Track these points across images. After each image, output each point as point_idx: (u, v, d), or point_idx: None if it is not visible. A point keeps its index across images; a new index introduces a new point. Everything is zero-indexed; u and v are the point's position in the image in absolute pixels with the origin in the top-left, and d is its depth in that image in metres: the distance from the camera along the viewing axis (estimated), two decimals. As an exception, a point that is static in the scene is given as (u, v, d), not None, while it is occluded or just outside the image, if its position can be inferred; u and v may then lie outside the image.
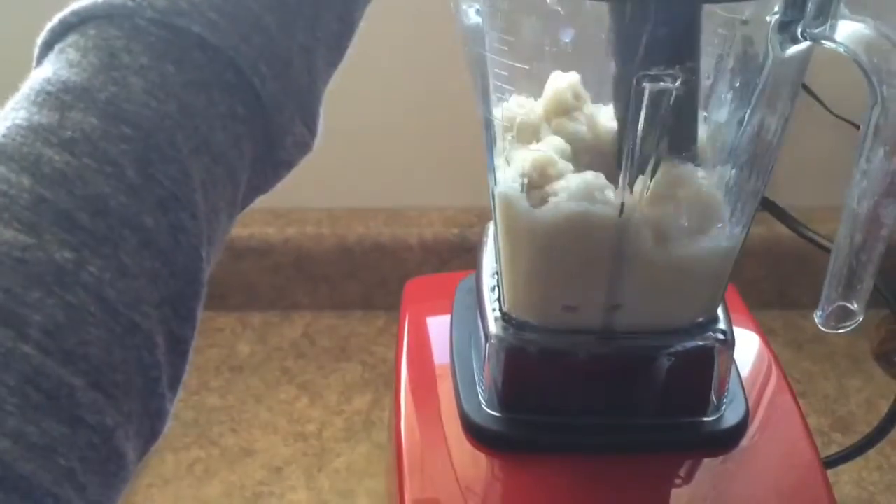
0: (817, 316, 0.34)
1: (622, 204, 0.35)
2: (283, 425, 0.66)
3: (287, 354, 0.72)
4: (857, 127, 0.72)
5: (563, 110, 0.36)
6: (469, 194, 0.73)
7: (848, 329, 0.34)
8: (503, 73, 0.35)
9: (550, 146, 0.38)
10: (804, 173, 0.72)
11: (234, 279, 0.74)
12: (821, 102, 0.69)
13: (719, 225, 0.37)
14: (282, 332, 0.74)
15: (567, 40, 0.36)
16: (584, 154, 0.37)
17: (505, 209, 0.38)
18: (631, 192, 0.35)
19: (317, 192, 0.73)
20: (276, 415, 0.67)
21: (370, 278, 0.74)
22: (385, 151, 0.73)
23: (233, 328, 0.74)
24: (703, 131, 0.39)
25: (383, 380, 0.69)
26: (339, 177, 0.73)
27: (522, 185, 0.36)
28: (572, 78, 0.37)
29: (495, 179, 0.38)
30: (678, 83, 0.32)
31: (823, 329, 0.34)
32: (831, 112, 0.68)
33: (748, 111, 0.36)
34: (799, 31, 0.31)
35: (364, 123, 0.71)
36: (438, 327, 0.49)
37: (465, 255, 0.73)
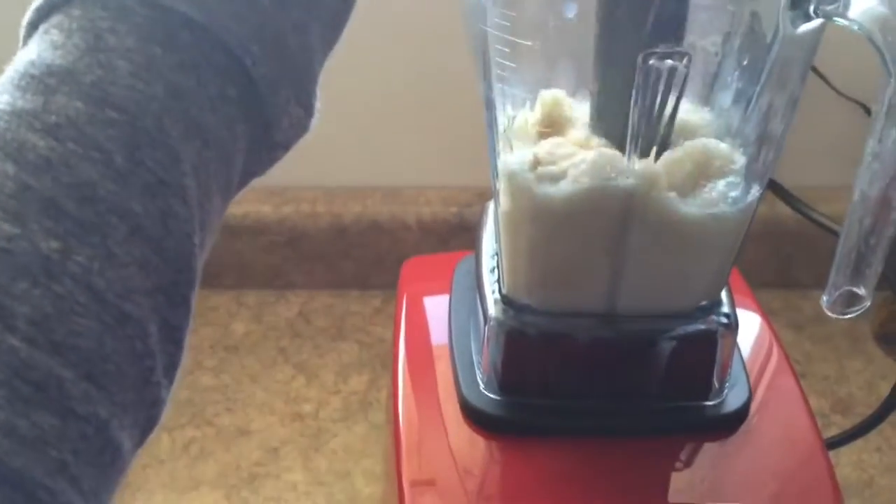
0: (824, 300, 0.34)
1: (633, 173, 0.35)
2: (279, 405, 0.65)
3: (283, 334, 0.71)
4: (864, 107, 0.71)
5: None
6: (468, 173, 0.72)
7: (855, 314, 0.34)
8: (505, 49, 0.34)
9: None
10: (807, 153, 0.71)
11: (228, 258, 0.73)
12: (826, 81, 0.68)
13: (733, 171, 0.36)
14: (277, 311, 0.73)
15: (570, 15, 0.35)
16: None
17: (510, 187, 0.37)
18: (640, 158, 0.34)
19: (312, 170, 0.73)
20: (272, 395, 0.66)
21: (366, 257, 0.74)
22: (382, 130, 0.72)
23: (227, 307, 0.73)
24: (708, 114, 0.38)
25: (380, 360, 0.69)
26: (335, 155, 0.72)
27: (529, 162, 0.35)
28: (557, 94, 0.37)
29: (497, 158, 0.38)
30: (685, 61, 0.31)
31: (830, 314, 0.34)
32: (837, 91, 0.68)
33: (756, 91, 0.35)
34: (811, 7, 0.31)
35: (361, 101, 0.70)
36: (436, 308, 0.49)
37: (463, 234, 0.72)
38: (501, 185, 0.38)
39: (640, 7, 0.32)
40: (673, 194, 0.35)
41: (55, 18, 0.27)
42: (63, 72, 0.26)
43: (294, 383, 0.67)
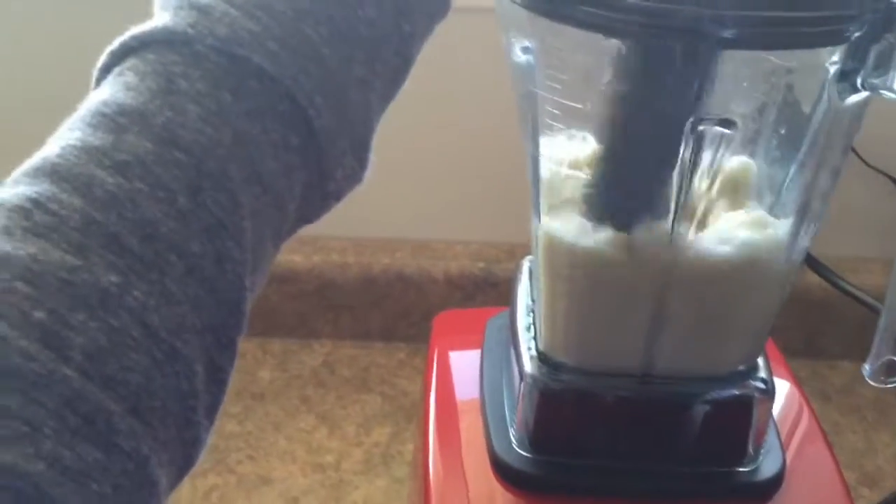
0: (865, 369, 0.34)
1: (672, 236, 0.35)
2: (302, 455, 0.65)
3: (307, 383, 0.71)
4: (891, 179, 0.71)
5: None
6: (496, 230, 0.73)
7: (897, 384, 0.34)
8: (554, 111, 0.34)
9: None
10: (835, 224, 0.71)
11: (256, 305, 0.73)
12: (856, 153, 0.69)
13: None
14: (302, 359, 0.73)
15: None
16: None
17: (549, 246, 0.37)
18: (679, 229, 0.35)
19: (343, 221, 0.73)
20: (295, 444, 0.66)
21: (393, 309, 0.74)
22: (414, 184, 0.73)
23: (253, 354, 0.73)
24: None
25: (403, 413, 0.68)
26: (366, 207, 0.72)
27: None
28: None
29: (539, 219, 0.38)
30: (734, 129, 0.32)
31: (872, 383, 0.34)
32: (866, 162, 0.68)
33: (798, 162, 0.36)
34: (859, 80, 0.31)
35: (394, 156, 0.71)
36: (468, 363, 0.49)
37: (490, 290, 0.72)
38: (541, 247, 0.38)
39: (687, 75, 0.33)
40: (711, 241, 0.36)
41: (129, 62, 0.28)
42: (134, 112, 0.26)
43: (316, 433, 0.67)
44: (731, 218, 0.36)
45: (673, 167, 0.33)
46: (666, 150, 0.33)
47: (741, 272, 0.36)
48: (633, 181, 0.35)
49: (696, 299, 0.37)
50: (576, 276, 0.37)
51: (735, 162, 0.37)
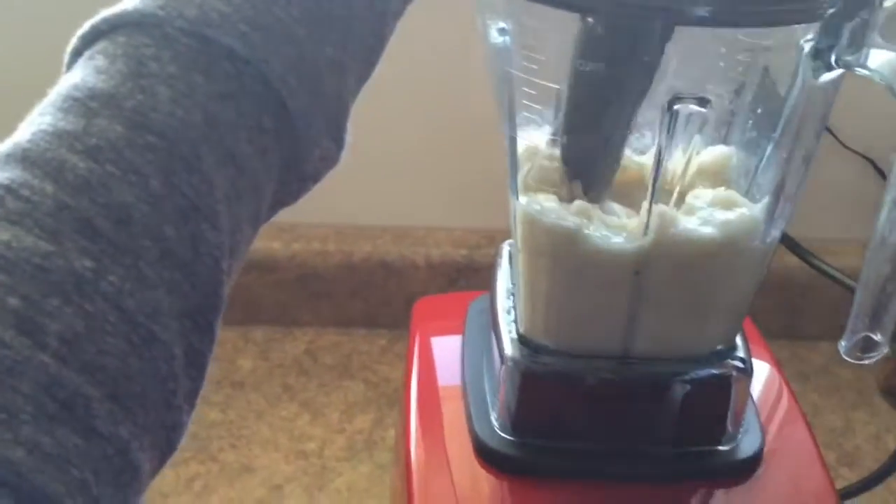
0: (841, 346, 0.34)
1: (647, 223, 0.35)
2: (284, 442, 0.65)
3: (289, 371, 0.71)
4: (869, 161, 0.71)
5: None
6: (477, 216, 0.73)
7: (872, 360, 0.34)
8: (532, 92, 0.34)
9: None
10: (814, 205, 0.72)
11: (237, 293, 0.72)
12: (833, 135, 0.69)
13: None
14: (284, 347, 0.73)
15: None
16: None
17: (527, 226, 0.37)
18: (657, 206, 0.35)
19: (324, 208, 0.73)
20: (277, 431, 0.66)
21: (374, 296, 0.74)
22: (394, 170, 0.73)
23: (234, 343, 0.73)
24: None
25: (386, 399, 0.68)
26: (346, 194, 0.73)
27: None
28: None
29: (518, 199, 0.38)
30: (709, 107, 0.32)
31: (848, 359, 0.34)
32: (843, 145, 0.69)
33: (773, 142, 0.36)
34: (833, 58, 0.31)
35: (373, 142, 0.70)
36: (449, 347, 0.49)
37: (471, 276, 0.72)
38: (520, 228, 0.38)
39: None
40: (691, 221, 0.36)
41: (100, 45, 0.27)
42: (105, 96, 0.26)
43: (299, 420, 0.67)
44: (700, 195, 0.36)
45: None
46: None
47: (717, 253, 0.36)
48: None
49: (672, 280, 0.37)
50: (554, 255, 0.37)
51: (716, 151, 0.37)
